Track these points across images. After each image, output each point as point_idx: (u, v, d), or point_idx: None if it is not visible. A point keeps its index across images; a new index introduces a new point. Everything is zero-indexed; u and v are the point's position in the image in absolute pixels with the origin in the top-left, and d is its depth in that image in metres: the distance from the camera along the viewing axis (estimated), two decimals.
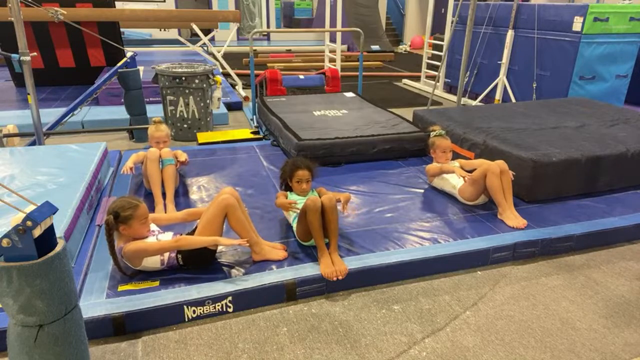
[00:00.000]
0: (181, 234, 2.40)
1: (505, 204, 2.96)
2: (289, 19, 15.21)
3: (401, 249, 2.61)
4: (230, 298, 2.21)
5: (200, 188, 3.40)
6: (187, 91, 4.66)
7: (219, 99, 5.06)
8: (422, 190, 3.42)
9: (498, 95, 6.30)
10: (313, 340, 2.07)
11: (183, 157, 3.26)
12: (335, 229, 2.47)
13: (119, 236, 2.27)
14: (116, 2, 8.06)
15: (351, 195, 2.63)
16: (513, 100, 6.07)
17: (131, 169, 3.06)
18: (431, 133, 3.46)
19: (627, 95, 5.92)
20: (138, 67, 4.68)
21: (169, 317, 2.13)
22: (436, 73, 6.52)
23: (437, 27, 10.03)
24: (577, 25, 5.30)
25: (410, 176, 3.69)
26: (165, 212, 2.93)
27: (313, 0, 15.03)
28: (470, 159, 3.63)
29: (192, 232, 2.42)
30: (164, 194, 3.06)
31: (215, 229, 2.36)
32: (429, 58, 8.06)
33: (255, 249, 2.46)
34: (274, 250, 2.52)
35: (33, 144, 3.95)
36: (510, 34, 6.10)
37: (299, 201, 2.67)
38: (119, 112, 5.15)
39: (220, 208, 2.36)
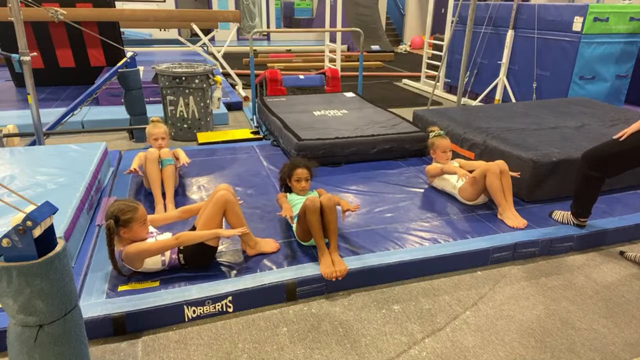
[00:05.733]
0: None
1: (505, 204, 2.96)
2: (289, 19, 15.21)
3: (401, 249, 2.61)
4: (230, 298, 2.21)
5: (200, 188, 3.40)
6: (187, 91, 4.66)
7: (219, 99, 5.06)
8: (422, 190, 3.42)
9: (498, 95, 6.30)
10: (313, 340, 2.07)
11: (183, 158, 3.28)
12: (334, 229, 2.48)
13: (118, 239, 2.25)
14: (116, 2, 8.07)
15: (351, 206, 2.62)
16: (513, 100, 6.07)
17: (136, 170, 3.07)
18: (430, 134, 3.47)
19: (627, 95, 5.92)
20: (138, 67, 4.69)
21: (169, 317, 2.13)
22: (436, 73, 6.52)
23: (437, 27, 10.03)
24: (577, 25, 5.30)
25: (410, 176, 3.69)
26: (165, 212, 2.93)
27: (313, 0, 15.04)
28: (470, 159, 3.63)
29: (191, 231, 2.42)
30: (163, 194, 3.06)
31: (216, 226, 2.37)
32: (429, 58, 8.06)
33: (250, 243, 2.50)
34: (267, 243, 2.57)
35: (33, 144, 3.95)
36: (510, 34, 6.10)
37: (298, 202, 2.68)
38: (119, 112, 5.15)
39: (220, 204, 2.37)
